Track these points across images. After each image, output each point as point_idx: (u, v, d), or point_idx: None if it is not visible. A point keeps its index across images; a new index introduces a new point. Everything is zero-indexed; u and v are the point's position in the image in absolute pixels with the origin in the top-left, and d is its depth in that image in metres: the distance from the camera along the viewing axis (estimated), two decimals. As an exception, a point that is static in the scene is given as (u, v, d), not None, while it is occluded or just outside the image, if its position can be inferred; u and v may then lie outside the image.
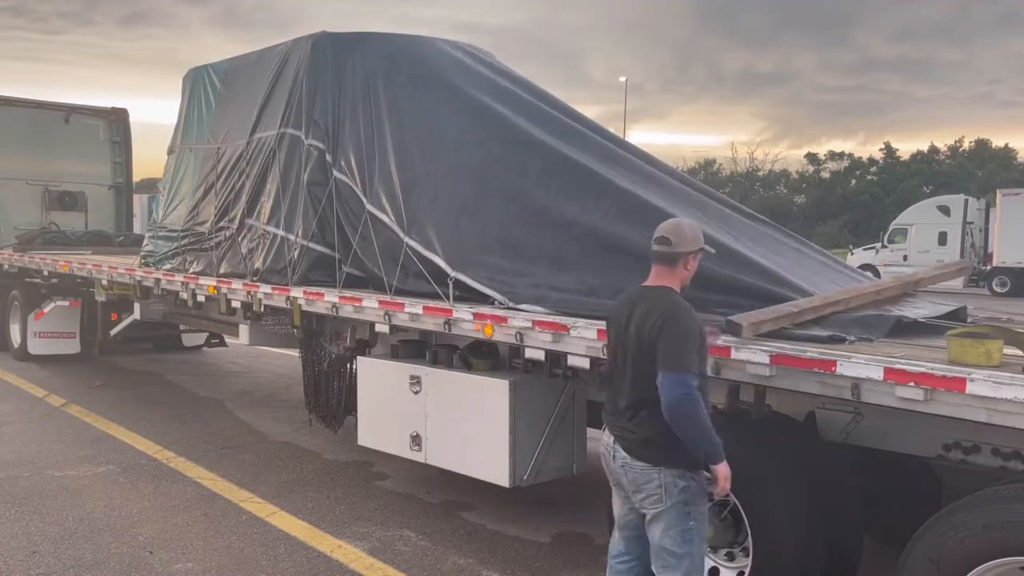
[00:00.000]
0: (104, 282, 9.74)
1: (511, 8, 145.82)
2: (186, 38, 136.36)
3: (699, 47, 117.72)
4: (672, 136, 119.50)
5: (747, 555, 4.10)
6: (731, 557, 4.27)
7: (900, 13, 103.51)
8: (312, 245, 6.56)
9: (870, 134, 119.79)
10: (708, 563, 4.33)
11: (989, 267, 29.48)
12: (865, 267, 31.57)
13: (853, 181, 74.67)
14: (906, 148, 75.91)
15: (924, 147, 75.22)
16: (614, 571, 3.79)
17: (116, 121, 14.21)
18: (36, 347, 11.93)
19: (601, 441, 3.76)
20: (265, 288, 6.80)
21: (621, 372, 3.61)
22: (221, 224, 7.62)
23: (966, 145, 75.01)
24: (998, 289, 28.31)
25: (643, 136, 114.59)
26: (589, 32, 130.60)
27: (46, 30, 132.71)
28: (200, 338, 12.65)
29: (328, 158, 6.60)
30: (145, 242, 9.26)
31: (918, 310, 4.77)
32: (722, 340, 3.99)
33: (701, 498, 3.52)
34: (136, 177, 16.46)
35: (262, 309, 6.98)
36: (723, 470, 3.40)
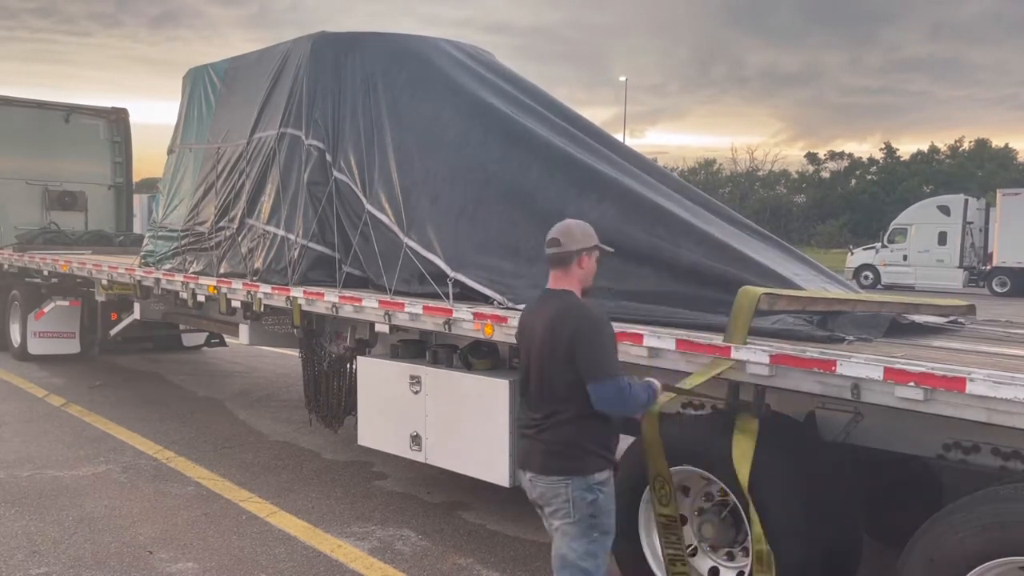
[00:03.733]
0: (104, 282, 9.74)
1: (542, 9, 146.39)
2: (213, 40, 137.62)
3: (725, 46, 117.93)
4: (687, 137, 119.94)
5: (747, 555, 4.10)
6: (731, 557, 4.27)
7: (937, 11, 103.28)
8: (312, 245, 6.56)
9: (887, 135, 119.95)
10: (708, 563, 4.34)
11: (989, 267, 29.51)
12: (865, 267, 31.70)
13: (853, 181, 74.75)
14: (918, 149, 75.94)
15: (927, 147, 75.27)
16: None
17: (116, 121, 14.21)
18: (36, 347, 11.92)
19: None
20: (265, 288, 6.80)
21: (532, 382, 3.57)
22: (221, 224, 7.62)
23: (966, 145, 75.07)
24: (998, 289, 28.35)
25: (658, 137, 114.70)
26: (617, 32, 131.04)
27: (74, 32, 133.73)
28: (200, 338, 12.66)
29: (328, 158, 6.60)
30: (145, 242, 9.26)
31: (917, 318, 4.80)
32: (721, 339, 3.99)
33: (608, 511, 3.50)
34: (136, 177, 16.47)
35: (262, 309, 6.98)
36: (656, 388, 3.62)
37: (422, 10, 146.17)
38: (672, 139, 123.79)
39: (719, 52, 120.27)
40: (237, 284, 7.18)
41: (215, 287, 7.46)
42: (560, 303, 3.50)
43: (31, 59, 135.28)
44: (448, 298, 5.43)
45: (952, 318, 5.17)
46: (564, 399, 3.43)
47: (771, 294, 4.03)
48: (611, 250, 3.82)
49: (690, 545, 4.43)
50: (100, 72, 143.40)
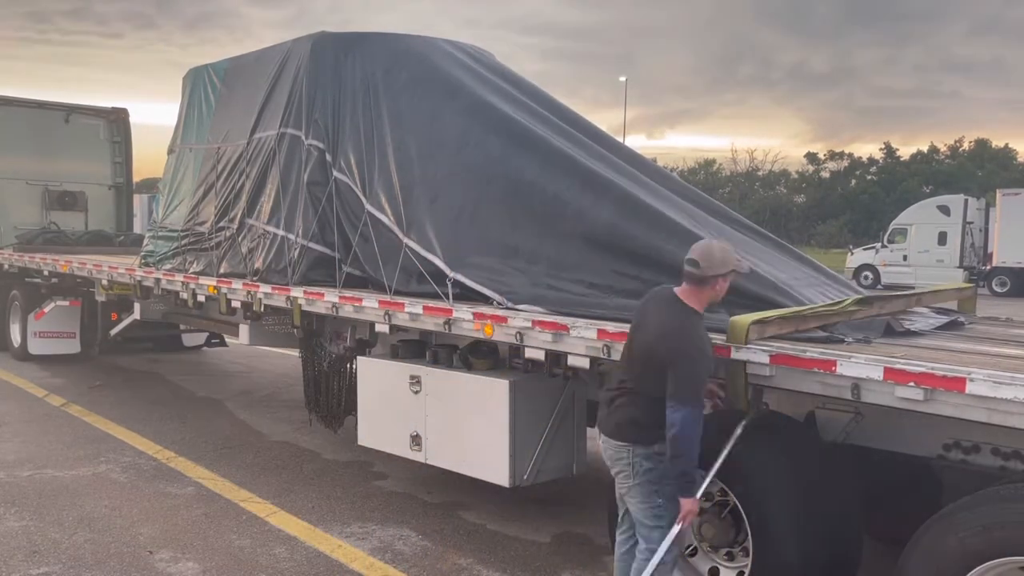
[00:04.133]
0: (104, 282, 9.74)
1: (561, 10, 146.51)
2: (245, 43, 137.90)
3: (756, 46, 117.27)
4: (708, 139, 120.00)
5: (747, 555, 4.11)
6: (731, 557, 4.27)
7: (977, 11, 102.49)
8: (312, 245, 6.56)
9: (908, 136, 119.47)
10: (708, 563, 4.34)
11: (989, 267, 29.51)
12: (865, 267, 31.69)
13: (853, 181, 74.72)
14: (917, 150, 75.70)
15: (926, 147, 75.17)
16: (618, 542, 4.15)
17: (116, 121, 14.20)
18: (36, 347, 11.92)
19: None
20: (265, 288, 6.79)
21: (624, 359, 3.99)
22: (221, 224, 7.62)
23: (966, 145, 75.06)
24: (998, 289, 28.35)
25: (679, 139, 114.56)
26: (646, 33, 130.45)
27: (106, 34, 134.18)
28: (200, 338, 12.66)
29: (328, 158, 6.60)
30: (145, 242, 9.26)
31: (914, 324, 4.78)
32: (722, 339, 3.99)
33: (665, 480, 3.79)
34: (136, 177, 16.46)
35: (262, 309, 6.98)
36: (687, 505, 3.71)
37: (462, 13, 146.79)
38: (694, 141, 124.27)
39: (752, 52, 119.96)
40: (237, 284, 7.18)
41: (215, 287, 7.46)
42: (677, 317, 3.75)
43: (61, 62, 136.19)
44: (448, 298, 5.43)
45: (952, 318, 5.16)
46: (639, 388, 3.80)
47: (760, 322, 4.01)
48: (746, 270, 4.06)
49: (690, 545, 4.43)
50: (129, 76, 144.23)
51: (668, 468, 3.71)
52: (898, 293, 5.38)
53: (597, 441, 4.06)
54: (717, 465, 3.89)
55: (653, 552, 3.79)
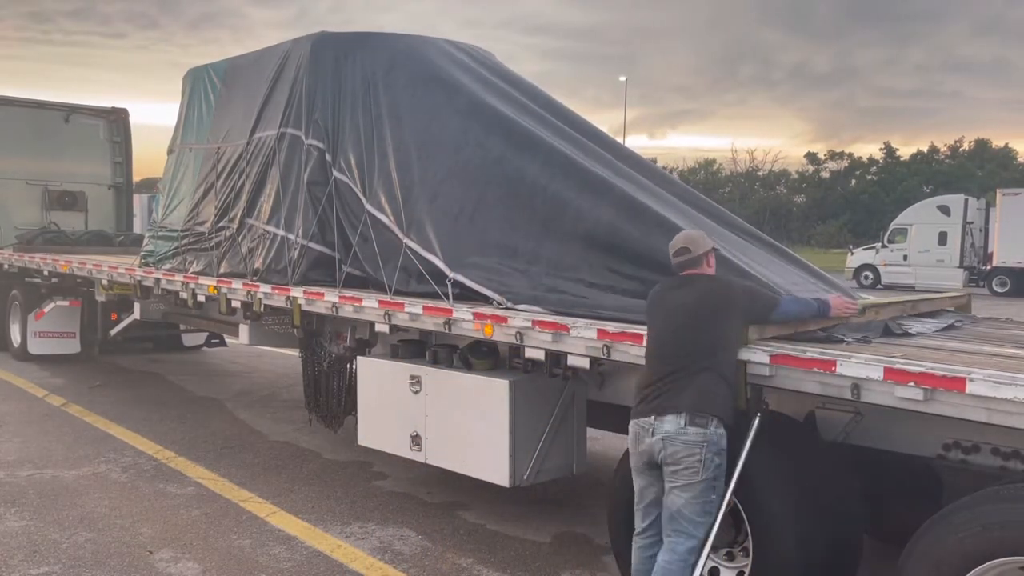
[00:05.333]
0: (104, 282, 9.74)
1: (588, 9, 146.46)
2: (247, 43, 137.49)
3: (757, 47, 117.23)
4: (710, 139, 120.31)
5: (747, 555, 4.11)
6: (731, 557, 4.27)
7: (979, 11, 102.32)
8: (312, 245, 6.56)
9: (909, 137, 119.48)
10: (708, 563, 4.34)
11: (989, 267, 29.53)
12: (865, 267, 31.70)
13: (853, 181, 74.77)
14: (917, 150, 75.69)
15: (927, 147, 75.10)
16: (639, 547, 4.04)
17: (116, 121, 14.20)
18: (36, 347, 11.92)
19: (632, 421, 3.97)
20: (265, 288, 6.80)
21: (669, 345, 3.97)
22: (221, 224, 7.62)
23: (966, 145, 75.10)
24: (998, 289, 28.38)
25: (681, 139, 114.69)
26: (647, 33, 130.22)
27: (109, 34, 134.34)
28: (200, 338, 12.66)
29: (328, 158, 6.60)
30: (145, 242, 9.26)
31: (912, 327, 4.78)
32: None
33: (723, 474, 3.84)
34: (136, 177, 16.47)
35: (262, 309, 6.98)
36: (835, 302, 4.21)
37: (462, 13, 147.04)
38: (696, 141, 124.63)
39: (745, 55, 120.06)
40: (237, 284, 7.18)
41: (215, 287, 7.46)
42: (706, 280, 4.04)
43: (63, 62, 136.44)
44: (448, 298, 5.43)
45: (950, 322, 5.16)
46: (705, 358, 3.86)
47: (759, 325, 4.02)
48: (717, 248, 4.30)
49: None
50: (131, 76, 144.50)
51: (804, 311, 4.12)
52: (895, 299, 5.37)
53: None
54: (738, 471, 3.84)
55: (692, 549, 3.78)
